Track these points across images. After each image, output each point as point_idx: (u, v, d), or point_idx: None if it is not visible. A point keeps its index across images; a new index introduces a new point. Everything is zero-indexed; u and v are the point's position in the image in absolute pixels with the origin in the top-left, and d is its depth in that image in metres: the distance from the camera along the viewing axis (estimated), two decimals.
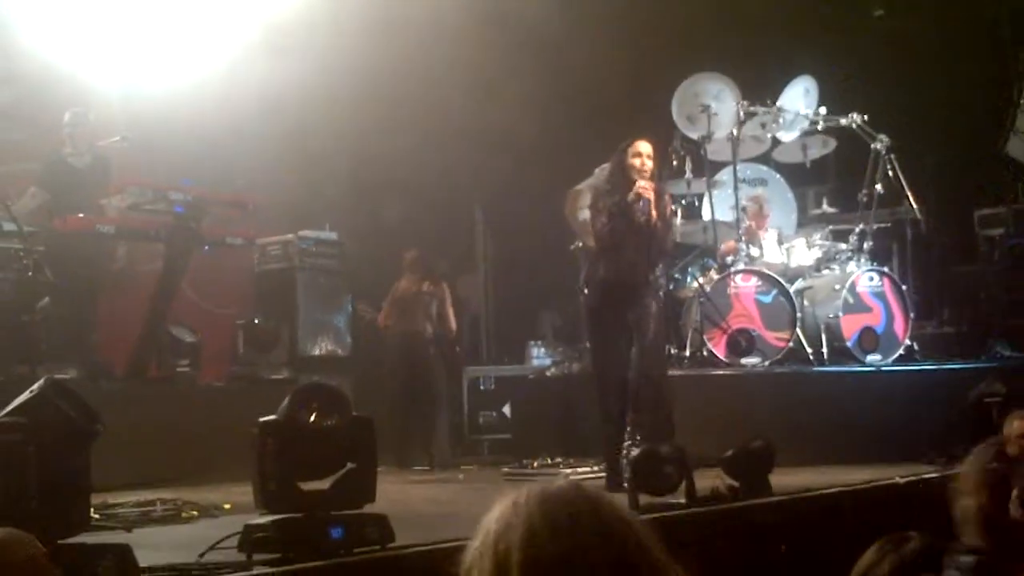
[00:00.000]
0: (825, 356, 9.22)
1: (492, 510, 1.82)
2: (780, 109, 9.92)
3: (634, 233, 7.35)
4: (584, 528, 1.76)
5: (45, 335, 8.37)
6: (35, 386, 4.27)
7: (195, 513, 6.09)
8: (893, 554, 2.53)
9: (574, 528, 1.75)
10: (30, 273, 7.77)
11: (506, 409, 11.12)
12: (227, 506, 6.26)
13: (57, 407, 4.21)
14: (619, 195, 7.44)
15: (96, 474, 4.51)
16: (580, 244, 9.56)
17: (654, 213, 7.31)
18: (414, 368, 10.49)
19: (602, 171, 8.25)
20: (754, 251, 9.58)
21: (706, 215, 9.99)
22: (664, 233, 7.58)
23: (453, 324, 10.80)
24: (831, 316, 9.28)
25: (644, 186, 7.30)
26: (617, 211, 7.40)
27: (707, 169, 9.94)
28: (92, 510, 4.96)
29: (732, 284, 9.18)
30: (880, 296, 9.44)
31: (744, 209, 9.93)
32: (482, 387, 11.52)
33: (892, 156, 9.62)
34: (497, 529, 1.78)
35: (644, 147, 7.49)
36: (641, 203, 7.31)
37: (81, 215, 8.56)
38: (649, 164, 7.44)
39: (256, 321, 9.95)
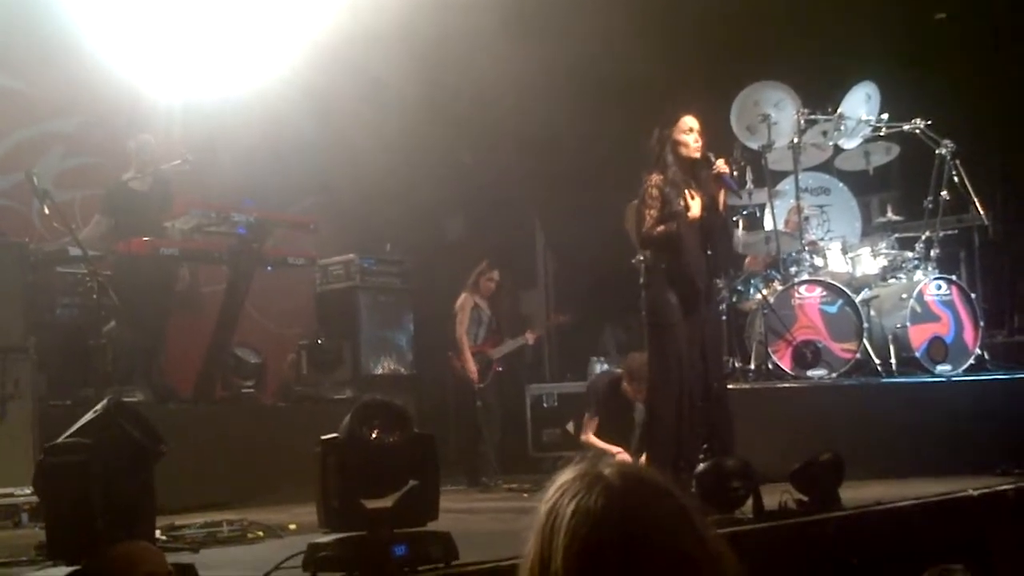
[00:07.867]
0: (893, 367, 9.04)
1: (546, 491, 1.67)
2: (841, 116, 9.75)
3: (694, 230, 6.75)
4: (643, 515, 1.60)
5: (112, 358, 8.48)
6: (99, 407, 4.30)
7: (260, 533, 6.09)
8: None
9: (632, 514, 1.59)
10: (95, 297, 7.85)
11: (569, 426, 11.05)
12: (292, 526, 6.26)
13: (121, 428, 4.23)
14: (679, 181, 6.65)
15: (162, 496, 4.54)
16: (641, 258, 9.34)
17: (722, 200, 6.79)
18: (460, 388, 10.53)
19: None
20: (818, 261, 9.45)
21: (768, 225, 9.88)
22: (725, 224, 7.08)
23: (459, 336, 10.36)
24: (898, 326, 9.12)
25: (723, 164, 6.68)
26: (676, 203, 6.61)
27: (768, 179, 9.82)
28: (158, 531, 5.00)
29: (796, 295, 9.02)
30: (948, 305, 9.25)
31: (807, 219, 9.83)
32: (545, 404, 11.46)
33: (957, 162, 9.45)
34: (546, 510, 1.64)
35: (693, 121, 6.78)
36: (726, 180, 6.73)
37: (145, 238, 8.66)
38: (700, 141, 6.77)
39: (319, 341, 10.01)
